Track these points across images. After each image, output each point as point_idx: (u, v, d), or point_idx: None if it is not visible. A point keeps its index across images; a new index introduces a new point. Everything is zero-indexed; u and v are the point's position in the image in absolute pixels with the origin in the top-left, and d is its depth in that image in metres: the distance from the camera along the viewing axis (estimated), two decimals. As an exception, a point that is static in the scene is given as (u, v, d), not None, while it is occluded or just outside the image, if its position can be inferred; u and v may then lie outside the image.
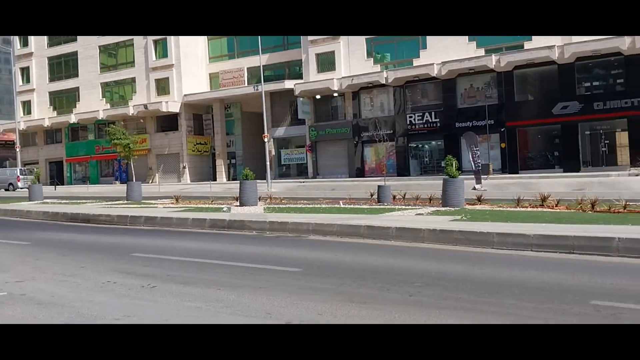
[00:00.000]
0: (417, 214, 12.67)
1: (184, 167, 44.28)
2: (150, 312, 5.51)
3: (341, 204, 16.40)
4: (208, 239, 11.39)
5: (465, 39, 33.82)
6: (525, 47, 31.80)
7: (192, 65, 44.90)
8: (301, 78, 39.66)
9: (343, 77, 37.02)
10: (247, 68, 43.19)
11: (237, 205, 16.58)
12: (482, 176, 25.14)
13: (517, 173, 31.71)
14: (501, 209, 13.32)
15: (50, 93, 51.92)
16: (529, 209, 12.91)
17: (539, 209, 12.83)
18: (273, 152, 40.71)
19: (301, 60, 39.92)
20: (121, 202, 21.10)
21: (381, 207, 14.95)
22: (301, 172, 40.87)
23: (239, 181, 18.25)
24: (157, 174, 45.00)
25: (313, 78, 38.65)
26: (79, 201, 22.74)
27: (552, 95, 31.95)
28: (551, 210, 12.65)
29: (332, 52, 38.29)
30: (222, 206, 16.59)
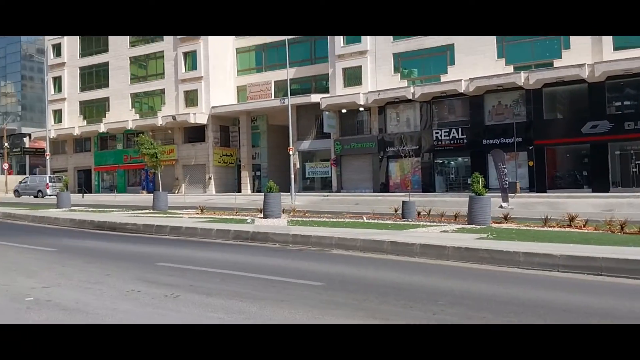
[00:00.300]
0: (441, 231, 12.56)
1: (210, 178, 44.64)
2: (173, 321, 5.53)
3: (365, 218, 16.34)
4: (231, 250, 11.43)
5: (494, 55, 33.65)
6: (555, 65, 31.51)
7: (221, 78, 45.41)
8: (327, 92, 39.82)
9: (369, 92, 37.05)
10: (274, 81, 43.56)
11: (261, 218, 16.62)
12: (509, 194, 24.86)
13: (545, 192, 31.28)
14: (528, 228, 13.14)
15: (81, 102, 52.92)
16: (557, 229, 12.71)
17: (567, 229, 12.62)
18: (298, 165, 40.84)
19: (328, 74, 40.11)
20: (147, 211, 21.32)
21: (405, 223, 14.86)
22: (325, 185, 40.88)
23: (263, 193, 18.33)
24: (183, 185, 45.42)
25: (339, 92, 38.76)
26: (106, 209, 23.05)
27: (581, 114, 31.54)
28: (579, 230, 12.44)
29: (359, 67, 38.39)
30: (246, 218, 16.66)
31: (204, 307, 6.13)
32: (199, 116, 44.25)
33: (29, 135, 59.84)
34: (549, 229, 12.81)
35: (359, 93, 37.20)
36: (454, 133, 35.09)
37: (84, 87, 52.82)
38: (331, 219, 16.24)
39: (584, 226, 12.93)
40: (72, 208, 23.51)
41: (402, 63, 37.57)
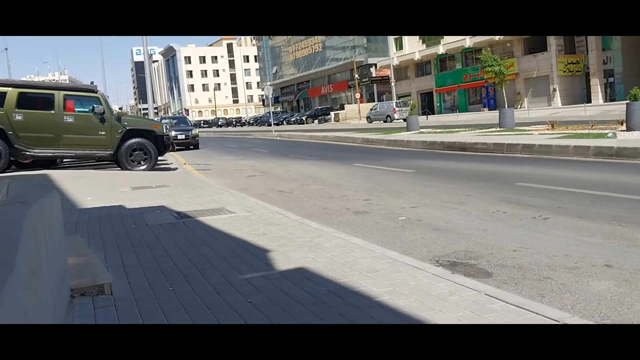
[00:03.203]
0: None
1: (554, 90, 41.86)
2: (548, 245, 5.26)
3: None
4: (594, 168, 10.47)
5: None
6: None
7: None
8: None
9: None
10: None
11: (623, 130, 14.87)
12: None
13: None
14: None
15: (419, 27, 54.54)
16: None
17: None
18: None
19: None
20: (493, 129, 21.09)
21: None
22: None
23: (618, 102, 16.30)
24: (525, 99, 43.67)
25: None
26: (451, 130, 23.56)
27: None
28: None
29: None
30: (605, 131, 15.07)
31: (577, 231, 5.70)
32: (539, 24, 41.43)
33: (375, 65, 64.42)
34: None
35: None
36: None
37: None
38: None
39: None
40: (420, 130, 24.66)
41: None
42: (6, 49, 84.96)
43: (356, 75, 62.74)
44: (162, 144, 14.64)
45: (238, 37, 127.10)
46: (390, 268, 4.33)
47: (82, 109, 13.93)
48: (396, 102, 47.98)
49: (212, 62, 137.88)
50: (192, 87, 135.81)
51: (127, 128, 14.10)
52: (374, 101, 62.64)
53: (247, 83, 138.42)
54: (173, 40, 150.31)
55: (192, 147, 26.32)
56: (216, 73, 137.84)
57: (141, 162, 14.22)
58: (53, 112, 13.51)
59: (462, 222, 6.50)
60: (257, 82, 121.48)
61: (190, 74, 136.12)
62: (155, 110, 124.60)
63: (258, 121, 75.05)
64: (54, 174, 12.91)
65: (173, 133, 22.00)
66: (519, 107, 43.00)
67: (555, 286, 4.11)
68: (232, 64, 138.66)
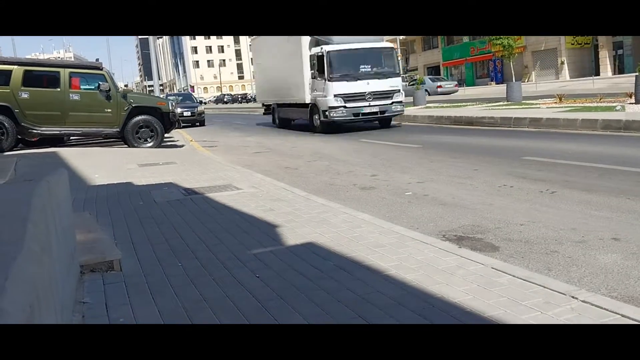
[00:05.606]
0: None
1: (562, 63, 41.40)
2: (555, 219, 5.25)
3: None
4: (602, 141, 10.40)
5: None
6: None
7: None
8: None
9: None
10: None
11: (632, 103, 14.73)
12: None
13: None
14: None
15: None
16: None
17: None
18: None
19: None
20: (500, 103, 20.94)
21: None
22: None
23: (627, 75, 16.13)
24: (533, 72, 43.23)
25: None
26: (458, 104, 23.41)
27: None
28: None
29: None
30: (614, 104, 14.94)
31: (585, 205, 5.68)
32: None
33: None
34: None
35: None
36: None
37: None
38: None
39: None
40: (427, 105, 24.51)
41: None
42: None
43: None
44: (168, 121, 14.63)
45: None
46: (397, 243, 4.34)
47: (87, 87, 13.91)
48: (402, 77, 47.50)
49: (217, 38, 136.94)
50: (197, 64, 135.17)
51: (133, 105, 14.10)
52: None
53: (252, 59, 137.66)
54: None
55: (198, 123, 26.30)
56: (221, 49, 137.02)
57: (147, 139, 14.24)
58: (59, 89, 13.51)
59: (469, 197, 6.49)
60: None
61: (195, 50, 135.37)
62: (161, 87, 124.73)
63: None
64: (62, 152, 12.96)
65: (179, 110, 21.98)
66: (526, 80, 42.62)
67: (562, 260, 4.12)
68: (237, 39, 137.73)
